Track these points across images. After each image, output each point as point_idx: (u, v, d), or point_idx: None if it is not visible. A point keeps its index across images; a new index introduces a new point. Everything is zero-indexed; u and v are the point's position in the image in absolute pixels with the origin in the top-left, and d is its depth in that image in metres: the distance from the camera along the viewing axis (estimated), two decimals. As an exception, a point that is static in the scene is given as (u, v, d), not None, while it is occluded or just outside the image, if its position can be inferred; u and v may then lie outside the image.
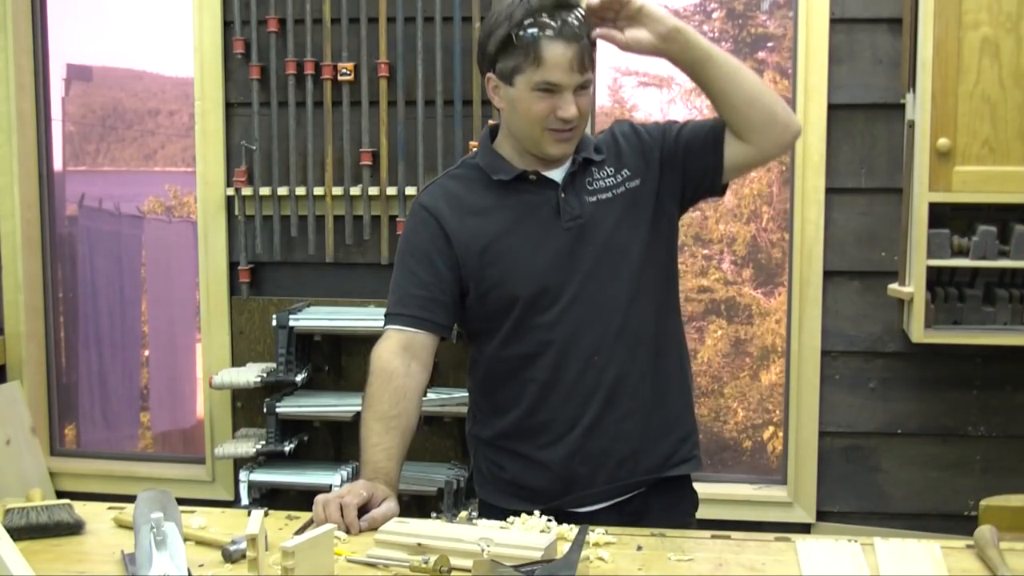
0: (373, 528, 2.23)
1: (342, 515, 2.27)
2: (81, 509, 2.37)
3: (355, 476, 4.12)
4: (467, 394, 4.00)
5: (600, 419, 2.54)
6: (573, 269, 2.52)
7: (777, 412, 4.76)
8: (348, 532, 2.24)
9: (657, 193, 2.58)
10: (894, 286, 3.86)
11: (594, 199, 2.55)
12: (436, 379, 4.17)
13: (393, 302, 2.63)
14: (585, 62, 2.41)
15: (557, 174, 2.56)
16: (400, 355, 2.56)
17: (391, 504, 2.34)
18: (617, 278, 2.54)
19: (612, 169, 2.59)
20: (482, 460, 2.73)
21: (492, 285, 2.55)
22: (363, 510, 2.30)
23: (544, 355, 2.54)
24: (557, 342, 2.53)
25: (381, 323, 4.08)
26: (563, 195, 2.53)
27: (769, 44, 4.79)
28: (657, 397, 2.60)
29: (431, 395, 4.06)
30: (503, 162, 2.58)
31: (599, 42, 2.46)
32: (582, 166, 2.57)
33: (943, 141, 3.57)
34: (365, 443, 2.50)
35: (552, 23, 2.39)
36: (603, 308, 2.53)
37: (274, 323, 4.15)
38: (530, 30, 2.39)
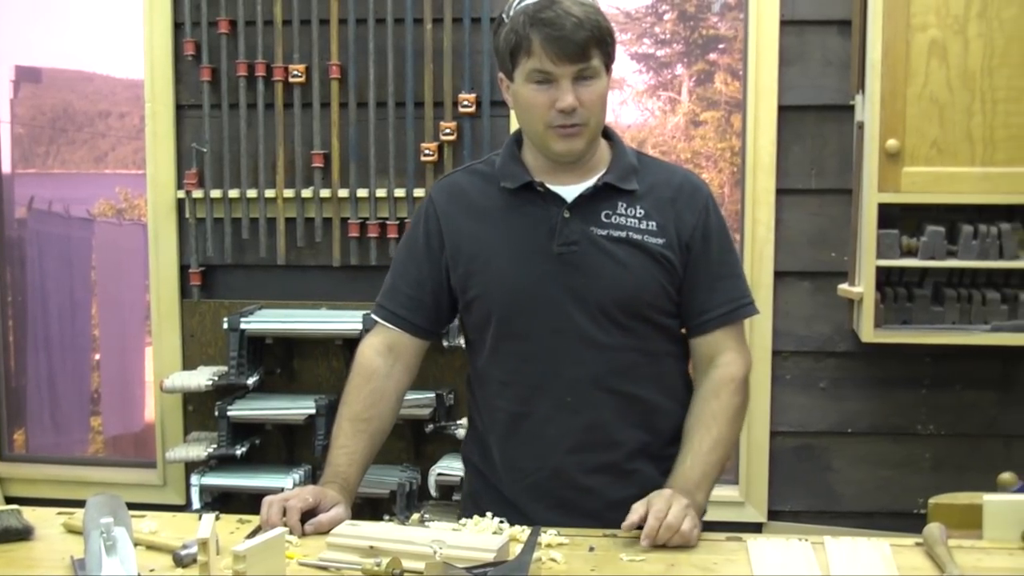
0: (319, 532, 2.22)
1: (284, 516, 2.25)
2: (30, 514, 2.35)
3: (308, 479, 4.11)
4: (424, 396, 4.01)
5: (565, 467, 2.42)
6: (557, 298, 2.37)
7: (729, 412, 4.78)
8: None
9: (673, 263, 2.42)
10: (844, 286, 3.89)
11: (604, 232, 2.38)
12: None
13: (384, 289, 2.56)
14: (587, 50, 2.27)
15: (571, 191, 2.41)
16: (385, 355, 2.52)
17: (339, 510, 2.30)
18: (608, 321, 2.39)
19: (641, 212, 2.41)
20: (467, 476, 2.68)
21: (475, 296, 2.45)
22: (312, 515, 2.28)
23: (515, 385, 2.44)
24: (530, 375, 2.42)
25: (333, 325, 4.14)
26: (567, 215, 2.38)
27: (720, 46, 4.82)
28: (635, 459, 2.44)
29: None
30: (517, 167, 2.44)
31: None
32: (603, 191, 2.41)
33: (892, 142, 3.60)
34: (334, 442, 2.48)
35: (549, 9, 2.26)
36: (585, 349, 2.39)
37: (225, 326, 4.12)
38: (522, 17, 2.28)
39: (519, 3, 2.32)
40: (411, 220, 2.61)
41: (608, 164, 2.46)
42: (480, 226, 2.45)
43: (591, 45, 2.28)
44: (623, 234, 2.39)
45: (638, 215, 2.41)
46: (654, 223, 2.41)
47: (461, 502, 2.73)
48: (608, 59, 2.35)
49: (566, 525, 2.28)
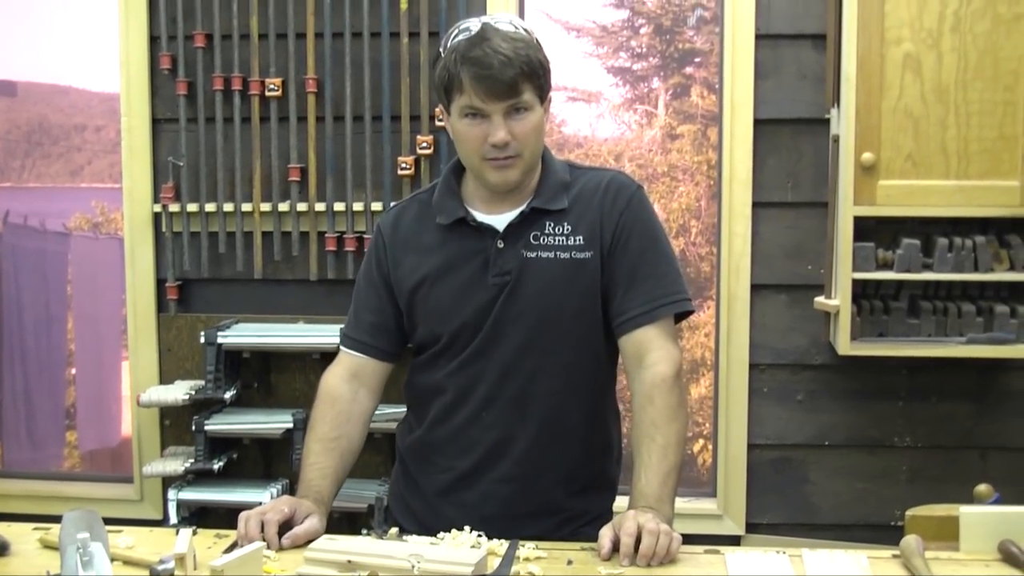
0: (295, 545, 2.23)
1: (262, 530, 2.25)
2: (6, 530, 2.34)
3: (285, 493, 4.10)
4: (399, 410, 4.00)
5: (472, 475, 2.53)
6: (490, 327, 2.46)
7: (706, 425, 4.79)
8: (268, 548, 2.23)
9: (602, 273, 2.48)
10: (820, 299, 3.90)
11: (534, 255, 2.45)
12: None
13: (348, 319, 2.66)
14: (516, 86, 2.31)
15: (502, 220, 2.47)
16: (349, 381, 2.59)
17: (314, 522, 2.33)
18: (533, 345, 2.47)
19: (569, 227, 2.47)
20: (396, 457, 2.75)
21: (417, 323, 2.56)
22: (288, 527, 2.29)
23: (441, 393, 2.55)
24: (454, 388, 2.52)
25: (310, 339, 4.14)
26: (500, 245, 2.45)
27: (696, 59, 4.83)
28: (542, 477, 2.52)
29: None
30: (451, 201, 2.51)
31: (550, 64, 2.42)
32: (531, 216, 2.46)
33: (867, 155, 3.61)
34: (303, 463, 2.52)
35: (479, 47, 2.30)
36: (504, 368, 2.48)
37: (202, 340, 4.11)
38: (454, 55, 2.33)
39: (454, 38, 2.37)
40: (367, 249, 2.69)
41: (535, 188, 2.51)
42: (419, 259, 2.53)
43: (520, 81, 2.33)
44: (551, 254, 2.46)
45: (566, 231, 2.47)
46: (581, 237, 2.47)
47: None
48: (541, 91, 2.40)
49: (465, 526, 2.34)
